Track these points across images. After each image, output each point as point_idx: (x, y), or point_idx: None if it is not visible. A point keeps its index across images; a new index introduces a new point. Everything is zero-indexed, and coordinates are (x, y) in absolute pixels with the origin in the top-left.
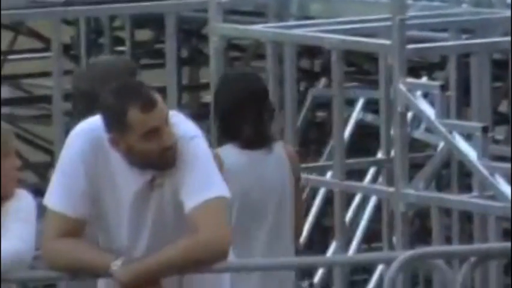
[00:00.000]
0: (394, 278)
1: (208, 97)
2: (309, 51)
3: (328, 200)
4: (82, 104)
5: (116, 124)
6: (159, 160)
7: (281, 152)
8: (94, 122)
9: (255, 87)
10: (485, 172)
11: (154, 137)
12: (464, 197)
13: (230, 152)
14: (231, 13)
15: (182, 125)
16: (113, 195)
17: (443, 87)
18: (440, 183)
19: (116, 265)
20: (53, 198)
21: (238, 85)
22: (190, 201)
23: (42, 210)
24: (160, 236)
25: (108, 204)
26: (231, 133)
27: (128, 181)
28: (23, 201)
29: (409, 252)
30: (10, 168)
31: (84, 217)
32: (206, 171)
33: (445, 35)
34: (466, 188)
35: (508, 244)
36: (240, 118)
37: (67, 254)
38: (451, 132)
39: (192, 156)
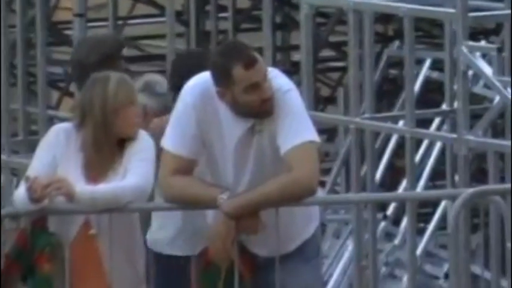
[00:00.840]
0: (459, 211)
1: (297, 56)
2: (384, 17)
3: (400, 145)
4: (76, 71)
5: (222, 79)
6: (258, 110)
7: None
8: (205, 76)
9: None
10: None
11: (255, 91)
12: None
13: None
14: None
15: (278, 79)
16: (220, 140)
17: (500, 50)
18: (496, 131)
19: (222, 198)
20: (169, 141)
21: (191, 62)
22: (286, 144)
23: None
24: (260, 174)
25: (216, 147)
26: None
27: (232, 127)
28: (144, 143)
29: (472, 190)
30: (134, 114)
31: (195, 157)
32: (300, 119)
33: (501, 4)
34: None
35: None
36: None
37: (181, 189)
38: (505, 88)
39: (288, 106)
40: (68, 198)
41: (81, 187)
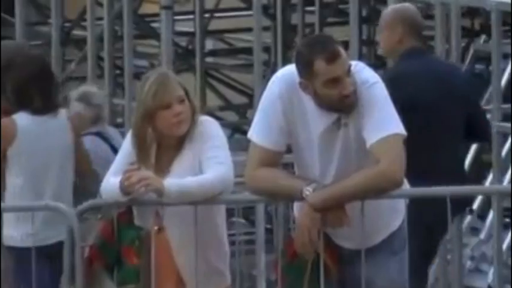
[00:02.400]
0: None
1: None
2: (471, 11)
3: None
4: None
5: (304, 71)
6: (338, 105)
7: (63, 115)
8: (292, 67)
9: (44, 67)
10: None
11: (335, 85)
12: None
13: (23, 117)
14: None
15: (364, 73)
16: (305, 131)
17: None
18: None
19: (308, 190)
20: (255, 133)
21: (29, 66)
22: (372, 137)
23: (240, 144)
24: (345, 167)
25: (302, 139)
26: (24, 103)
27: (317, 120)
28: (212, 128)
29: None
30: (170, 116)
31: (281, 149)
32: (385, 112)
33: None
34: None
35: None
36: (31, 91)
37: (267, 181)
38: None
39: (373, 99)
40: (158, 194)
41: (168, 181)
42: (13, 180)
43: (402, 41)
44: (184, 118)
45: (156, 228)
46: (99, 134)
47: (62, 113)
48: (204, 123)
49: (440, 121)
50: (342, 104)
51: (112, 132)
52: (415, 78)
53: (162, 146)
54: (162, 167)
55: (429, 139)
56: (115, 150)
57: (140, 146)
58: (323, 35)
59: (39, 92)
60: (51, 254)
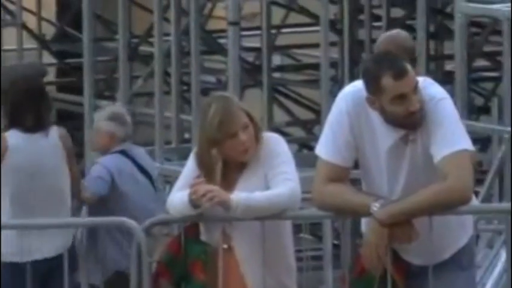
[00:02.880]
0: None
1: (450, 66)
2: None
3: None
4: None
5: (371, 87)
6: (405, 121)
7: (55, 134)
8: (359, 84)
9: (36, 86)
10: None
11: (402, 102)
12: None
13: (14, 135)
14: None
15: (431, 89)
16: (372, 147)
17: None
18: None
19: (375, 206)
20: (323, 149)
21: (22, 85)
22: (440, 152)
23: (307, 160)
24: (413, 183)
25: (369, 154)
26: (16, 121)
27: (384, 135)
28: (279, 144)
29: None
30: (237, 144)
31: (349, 165)
32: (453, 128)
33: None
34: None
35: None
36: (23, 110)
37: (334, 196)
38: None
39: (441, 115)
40: (224, 207)
41: (236, 195)
42: (3, 196)
43: None
44: (250, 145)
45: (225, 246)
46: (123, 152)
47: (53, 131)
48: (270, 140)
49: None
50: (409, 121)
51: (137, 150)
52: None
53: (228, 164)
54: (228, 185)
55: None
56: (141, 169)
57: (205, 167)
58: (390, 52)
59: (31, 110)
60: (44, 269)
